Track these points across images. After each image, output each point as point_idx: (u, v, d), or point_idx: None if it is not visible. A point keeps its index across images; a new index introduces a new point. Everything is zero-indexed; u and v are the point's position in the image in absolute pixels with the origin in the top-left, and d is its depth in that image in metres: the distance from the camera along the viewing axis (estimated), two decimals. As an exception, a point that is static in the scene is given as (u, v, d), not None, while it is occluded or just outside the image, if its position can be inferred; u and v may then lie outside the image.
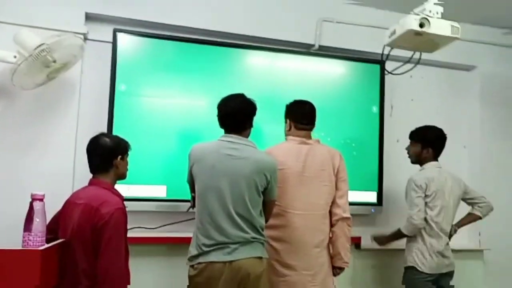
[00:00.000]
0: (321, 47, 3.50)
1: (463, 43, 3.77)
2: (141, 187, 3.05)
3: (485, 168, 3.89)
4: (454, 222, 3.06)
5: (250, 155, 2.28)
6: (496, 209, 3.81)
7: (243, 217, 2.21)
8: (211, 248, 2.19)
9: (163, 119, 3.15)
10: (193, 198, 2.35)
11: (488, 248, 3.75)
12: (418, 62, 2.71)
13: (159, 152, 3.12)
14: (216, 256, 2.18)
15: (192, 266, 2.24)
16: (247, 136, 2.37)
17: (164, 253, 2.94)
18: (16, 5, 2.85)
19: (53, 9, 2.90)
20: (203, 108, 3.15)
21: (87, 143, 2.22)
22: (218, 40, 3.29)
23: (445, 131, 3.07)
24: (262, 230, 2.30)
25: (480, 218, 3.13)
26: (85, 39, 3.01)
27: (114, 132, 2.92)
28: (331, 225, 2.61)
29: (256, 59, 3.41)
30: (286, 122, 2.69)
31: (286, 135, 2.67)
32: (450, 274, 2.99)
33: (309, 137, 2.63)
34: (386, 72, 2.76)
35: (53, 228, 2.13)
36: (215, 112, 2.40)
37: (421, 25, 2.21)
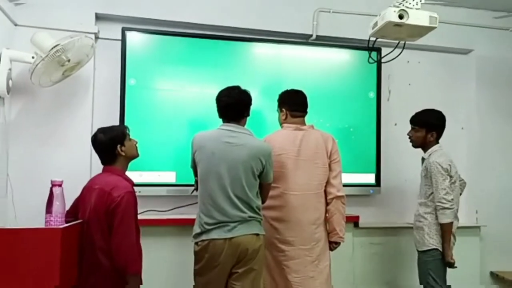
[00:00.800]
0: (319, 37, 3.67)
1: (459, 27, 3.93)
2: (152, 174, 3.32)
3: (482, 148, 4.03)
4: None
5: (246, 142, 2.47)
6: (493, 188, 4.00)
7: (241, 199, 2.42)
8: (213, 227, 2.40)
9: (171, 109, 3.39)
10: (196, 182, 2.56)
11: (485, 225, 3.91)
12: (404, 47, 2.84)
13: (168, 140, 3.36)
14: (217, 234, 2.39)
15: (196, 243, 2.46)
16: (244, 125, 2.56)
17: (174, 233, 3.17)
18: (32, 9, 3.09)
19: (65, 11, 3.15)
20: (208, 98, 3.30)
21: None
22: (222, 34, 3.50)
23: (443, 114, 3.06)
24: (259, 210, 2.51)
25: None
26: (96, 38, 3.26)
27: (126, 122, 3.18)
28: (327, 204, 2.78)
29: (258, 51, 3.61)
30: (281, 111, 2.84)
31: (282, 123, 2.84)
32: None
33: (303, 123, 2.81)
34: (372, 60, 2.90)
35: (73, 212, 2.39)
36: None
37: (401, 17, 2.37)
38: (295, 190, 2.70)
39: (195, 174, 2.56)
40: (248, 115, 2.59)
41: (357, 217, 3.57)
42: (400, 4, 2.40)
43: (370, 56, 2.81)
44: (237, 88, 2.55)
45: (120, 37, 3.26)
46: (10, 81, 2.85)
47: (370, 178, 3.75)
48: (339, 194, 2.76)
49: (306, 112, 2.84)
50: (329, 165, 2.78)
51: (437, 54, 4.04)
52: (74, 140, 3.17)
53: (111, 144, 2.37)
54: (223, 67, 3.48)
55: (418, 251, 2.96)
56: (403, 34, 2.55)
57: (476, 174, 3.93)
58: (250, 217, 2.44)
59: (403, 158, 3.76)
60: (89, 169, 3.14)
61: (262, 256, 2.50)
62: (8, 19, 2.97)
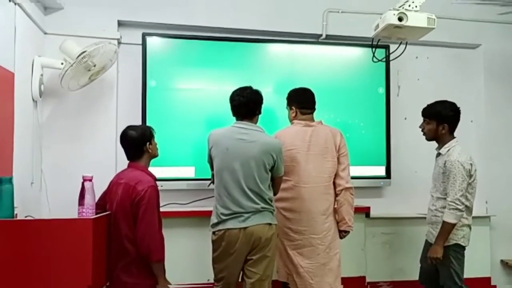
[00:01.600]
0: (328, 36, 3.82)
1: (467, 23, 4.02)
2: (173, 169, 3.54)
3: (492, 140, 4.12)
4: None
5: (258, 139, 2.64)
6: (502, 179, 4.09)
7: (254, 191, 2.60)
8: (228, 217, 2.59)
9: (190, 108, 3.60)
10: (213, 175, 2.74)
11: (494, 215, 4.01)
12: (406, 46, 2.97)
13: (187, 137, 3.57)
14: (232, 224, 2.58)
15: (214, 232, 2.65)
16: (256, 122, 2.73)
17: (194, 224, 3.38)
18: (60, 19, 3.35)
19: (90, 19, 3.38)
20: (225, 97, 3.46)
21: (119, 137, 2.61)
22: (236, 36, 3.69)
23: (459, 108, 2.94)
24: (271, 201, 2.68)
25: None
26: (119, 43, 3.48)
27: (148, 121, 3.40)
28: (336, 195, 2.93)
29: (271, 51, 3.80)
30: (290, 109, 2.99)
31: (292, 120, 2.99)
32: None
33: (312, 120, 2.97)
34: (376, 59, 3.04)
35: (102, 204, 2.58)
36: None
37: (400, 19, 2.51)
38: (306, 183, 2.85)
39: (212, 168, 2.74)
40: (260, 113, 2.75)
41: (368, 208, 3.72)
42: (400, 7, 2.54)
43: (374, 55, 2.94)
44: (249, 88, 2.71)
45: (140, 42, 3.48)
46: (42, 86, 3.10)
47: (380, 171, 3.89)
48: (348, 185, 2.91)
49: (314, 109, 2.99)
50: (338, 158, 2.92)
51: (445, 49, 4.13)
52: (100, 138, 3.42)
53: (141, 141, 2.55)
54: (239, 67, 3.67)
55: None
56: (404, 34, 2.69)
57: (486, 165, 4.00)
58: (262, 208, 2.61)
59: (413, 151, 3.89)
60: (114, 165, 3.36)
61: (275, 244, 2.68)
62: (39, 29, 3.22)
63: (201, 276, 3.32)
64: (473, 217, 2.85)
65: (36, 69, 3.03)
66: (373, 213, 3.74)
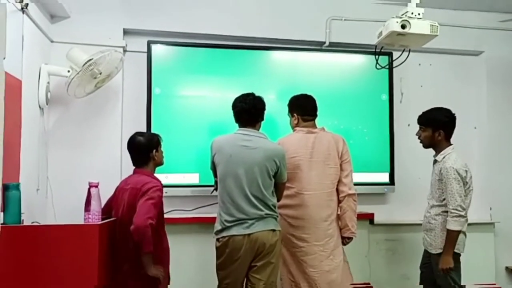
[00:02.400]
0: (332, 44, 3.85)
1: (469, 30, 4.05)
2: (177, 175, 3.56)
3: (495, 146, 4.12)
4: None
5: (261, 145, 2.66)
6: (506, 185, 4.09)
7: (257, 197, 2.61)
8: (232, 224, 2.60)
9: (194, 115, 3.62)
10: (216, 182, 2.76)
11: (499, 221, 4.00)
12: (409, 53, 2.99)
13: (191, 144, 3.59)
14: (236, 230, 2.59)
15: (217, 239, 2.66)
16: (258, 129, 2.75)
17: (198, 230, 3.39)
18: (67, 27, 3.40)
19: (96, 28, 3.42)
20: (229, 104, 3.48)
21: (127, 142, 2.65)
22: (240, 43, 3.72)
23: (455, 114, 2.97)
24: (275, 207, 2.70)
25: None
26: (124, 51, 3.52)
27: (153, 129, 3.44)
28: (339, 201, 2.94)
29: (274, 58, 3.83)
30: (292, 116, 3.01)
31: (294, 127, 3.00)
32: None
33: (315, 126, 2.98)
34: (379, 67, 3.06)
35: (107, 210, 2.61)
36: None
37: (403, 27, 2.54)
38: (309, 190, 2.87)
39: (215, 175, 2.75)
40: (262, 119, 2.77)
41: (372, 215, 3.73)
42: (403, 14, 2.57)
43: (377, 62, 2.96)
44: (251, 95, 2.73)
45: (146, 50, 3.52)
46: (49, 93, 3.13)
47: (384, 177, 3.90)
48: (351, 192, 2.92)
49: (316, 115, 3.00)
50: (340, 165, 2.94)
51: (448, 56, 4.15)
52: (106, 145, 3.45)
53: (148, 148, 2.58)
54: (242, 74, 3.70)
55: (432, 254, 2.86)
56: (407, 42, 2.72)
57: (489, 172, 4.02)
58: (266, 214, 2.62)
59: (416, 157, 3.85)
60: (119, 172, 3.39)
61: (279, 250, 2.69)
62: (46, 37, 3.26)
63: (205, 282, 3.31)
64: (477, 224, 2.85)
65: (43, 77, 3.07)
66: (377, 219, 3.75)
